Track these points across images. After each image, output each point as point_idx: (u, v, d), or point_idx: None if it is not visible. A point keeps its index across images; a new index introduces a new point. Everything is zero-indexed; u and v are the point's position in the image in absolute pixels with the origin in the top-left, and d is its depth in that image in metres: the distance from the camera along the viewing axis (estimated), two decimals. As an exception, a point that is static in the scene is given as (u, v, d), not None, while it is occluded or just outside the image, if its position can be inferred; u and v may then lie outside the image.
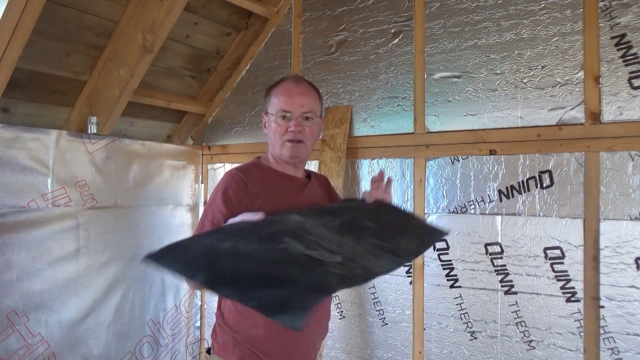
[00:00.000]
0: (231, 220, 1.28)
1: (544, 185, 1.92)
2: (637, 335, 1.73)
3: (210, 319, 2.82)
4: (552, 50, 1.92)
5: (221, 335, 1.45)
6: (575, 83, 1.88)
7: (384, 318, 2.25)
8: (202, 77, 2.79)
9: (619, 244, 1.77)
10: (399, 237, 1.37)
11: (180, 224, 2.77)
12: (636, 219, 1.75)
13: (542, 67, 1.94)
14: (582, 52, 1.86)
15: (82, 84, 2.32)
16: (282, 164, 1.49)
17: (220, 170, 2.84)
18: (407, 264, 2.17)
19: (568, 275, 1.86)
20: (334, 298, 2.37)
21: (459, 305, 2.07)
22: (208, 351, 1.54)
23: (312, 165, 2.39)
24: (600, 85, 1.83)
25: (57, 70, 2.19)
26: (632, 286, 1.74)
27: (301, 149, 1.46)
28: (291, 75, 1.67)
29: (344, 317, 2.36)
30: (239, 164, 1.50)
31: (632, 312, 1.74)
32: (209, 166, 2.89)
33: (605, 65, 1.82)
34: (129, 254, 2.47)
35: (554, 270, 1.89)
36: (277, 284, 1.04)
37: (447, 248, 2.11)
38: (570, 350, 1.85)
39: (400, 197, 2.23)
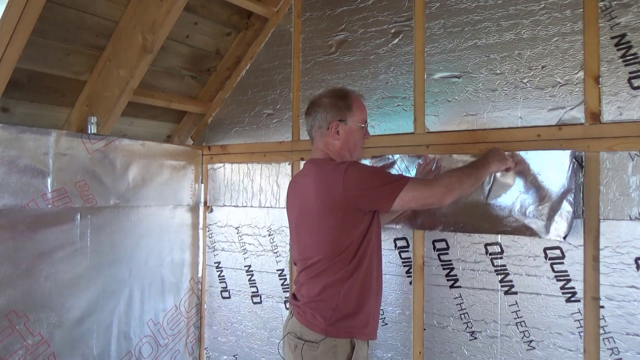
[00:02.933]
0: None
1: (544, 185, 1.92)
2: (637, 335, 1.73)
3: (210, 319, 2.82)
4: (552, 50, 1.92)
5: (330, 316, 1.68)
6: (575, 83, 1.88)
7: (384, 318, 2.25)
8: (202, 77, 2.79)
9: (619, 244, 1.77)
10: None
11: (180, 224, 2.77)
12: (636, 219, 1.75)
13: (542, 67, 1.94)
14: (582, 52, 1.86)
15: (82, 84, 2.32)
16: None
17: (220, 170, 2.84)
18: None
19: (568, 275, 1.86)
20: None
21: (459, 305, 2.07)
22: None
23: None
24: (600, 85, 1.83)
25: (57, 70, 2.19)
26: (632, 286, 1.74)
27: None
28: (348, 89, 1.95)
29: (344, 317, 2.36)
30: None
31: (632, 312, 1.74)
32: (209, 166, 2.89)
33: (605, 65, 1.82)
34: (129, 253, 2.47)
35: (553, 270, 1.89)
36: None
37: (447, 248, 2.11)
38: (570, 350, 1.85)
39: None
